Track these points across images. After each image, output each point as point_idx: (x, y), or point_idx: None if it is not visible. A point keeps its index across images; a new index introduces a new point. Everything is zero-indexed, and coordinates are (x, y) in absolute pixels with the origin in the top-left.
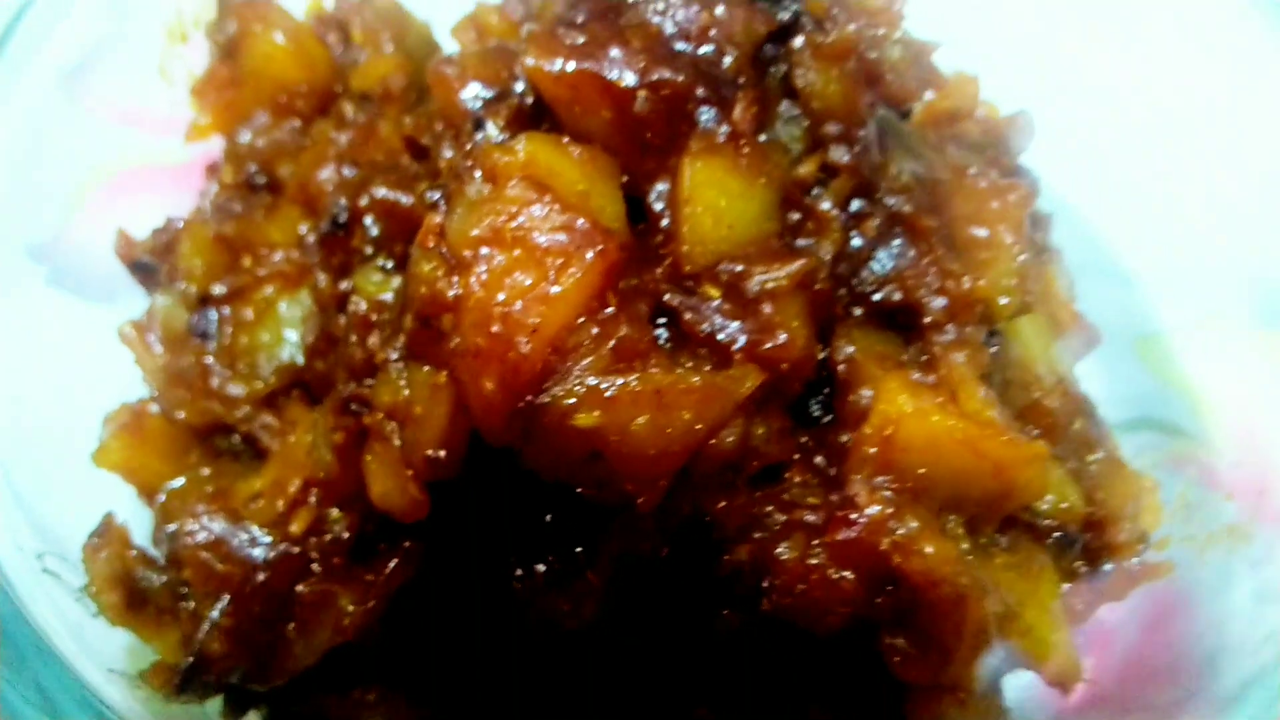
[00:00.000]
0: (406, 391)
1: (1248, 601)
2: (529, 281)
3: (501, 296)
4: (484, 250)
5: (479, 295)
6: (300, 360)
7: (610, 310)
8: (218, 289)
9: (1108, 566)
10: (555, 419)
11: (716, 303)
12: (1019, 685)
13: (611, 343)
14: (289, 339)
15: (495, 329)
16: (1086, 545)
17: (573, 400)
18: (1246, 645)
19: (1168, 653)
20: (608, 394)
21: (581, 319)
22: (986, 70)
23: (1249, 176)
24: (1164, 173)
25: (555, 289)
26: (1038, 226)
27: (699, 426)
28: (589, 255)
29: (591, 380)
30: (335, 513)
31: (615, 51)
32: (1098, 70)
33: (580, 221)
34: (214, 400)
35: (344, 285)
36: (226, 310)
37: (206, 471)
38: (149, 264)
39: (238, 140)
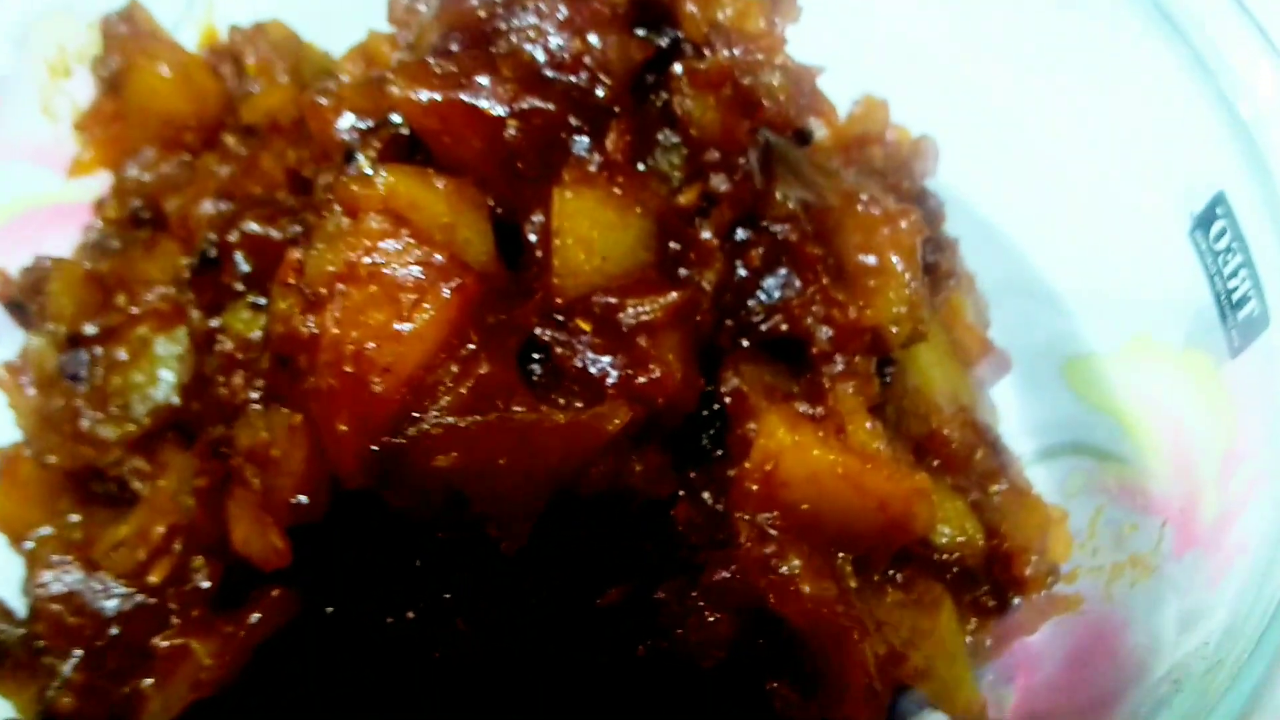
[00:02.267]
0: (265, 434)
1: (1172, 632)
2: (383, 318)
3: (355, 334)
4: (340, 286)
5: (333, 333)
6: (175, 401)
7: (471, 347)
8: (89, 328)
9: (1016, 601)
10: (413, 460)
11: (588, 337)
12: None
13: (472, 381)
14: (164, 379)
15: (348, 369)
16: (995, 579)
17: (430, 441)
18: (1150, 680)
19: (1093, 682)
20: (467, 433)
21: (440, 356)
22: (912, 93)
23: (1174, 196)
24: (1090, 194)
25: (409, 326)
26: (942, 251)
27: (565, 466)
28: (445, 290)
29: (450, 420)
30: (198, 560)
31: (484, 80)
32: (1024, 93)
33: (437, 256)
34: (85, 444)
35: (214, 323)
36: (98, 350)
37: (76, 518)
38: (21, 303)
39: (124, 175)
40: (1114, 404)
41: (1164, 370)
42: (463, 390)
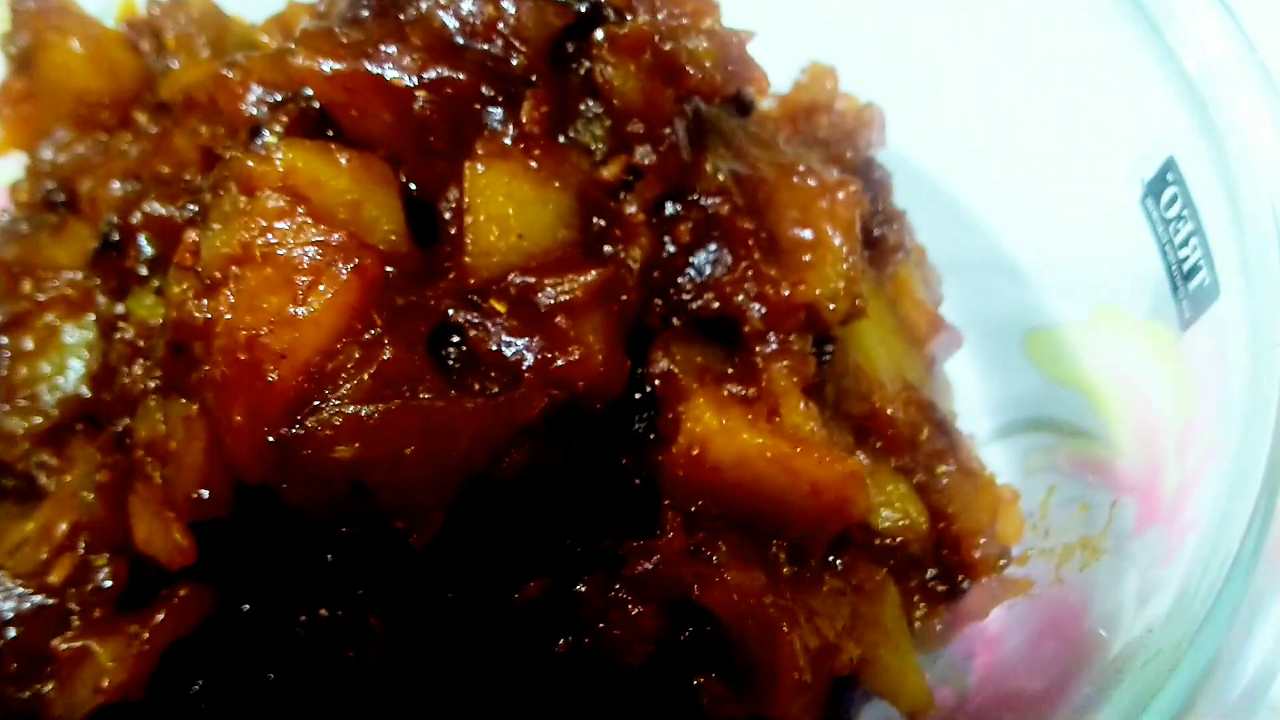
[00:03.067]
0: (163, 426)
1: (1132, 607)
2: (278, 303)
3: (250, 320)
4: (234, 269)
5: (227, 319)
6: (86, 391)
7: (375, 331)
8: None
9: (965, 584)
10: (312, 452)
11: (502, 318)
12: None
13: (374, 366)
14: (73, 368)
15: (242, 356)
16: (944, 563)
17: (330, 431)
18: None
19: (1054, 660)
20: (368, 422)
21: (341, 342)
22: (860, 62)
23: (1127, 162)
24: (1048, 163)
25: (304, 310)
26: (890, 224)
27: (476, 454)
28: (343, 271)
29: (351, 408)
30: (101, 559)
31: (391, 49)
32: (975, 61)
33: (335, 235)
34: None
35: (119, 309)
36: (3, 340)
37: None
38: None
39: (38, 156)
40: (1078, 377)
41: (1127, 342)
42: (365, 377)
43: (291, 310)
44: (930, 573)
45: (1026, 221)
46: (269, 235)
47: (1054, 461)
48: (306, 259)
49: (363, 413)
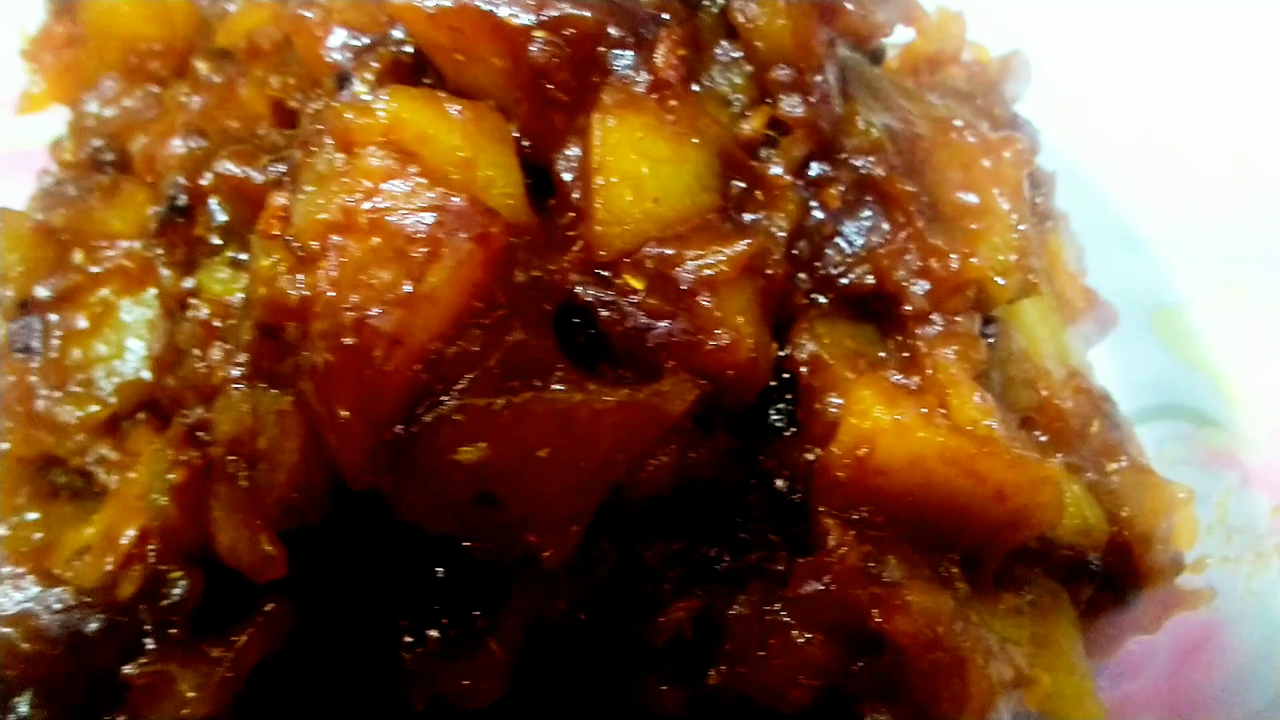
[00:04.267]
0: (250, 420)
1: None
2: (389, 278)
3: (356, 298)
4: (334, 238)
5: (328, 297)
6: (147, 376)
7: (500, 312)
8: (41, 291)
9: (1135, 596)
10: (432, 453)
11: (640, 296)
12: None
13: (501, 353)
14: (132, 349)
15: (348, 340)
16: (1109, 572)
17: (452, 429)
18: None
19: (1206, 680)
20: (497, 418)
21: (462, 323)
22: (976, 6)
23: (1272, 129)
24: (1177, 124)
25: (421, 287)
26: (1039, 188)
27: (619, 457)
28: (466, 241)
29: (475, 401)
30: (175, 571)
31: None
32: (1100, 6)
33: (455, 199)
34: (41, 428)
35: (188, 284)
36: (53, 317)
37: (34, 516)
38: None
39: (82, 110)
40: (1210, 360)
41: (1265, 322)
42: (491, 364)
43: (405, 287)
44: (1098, 583)
45: (1158, 189)
46: (375, 199)
47: (1191, 454)
48: (422, 226)
49: (490, 407)
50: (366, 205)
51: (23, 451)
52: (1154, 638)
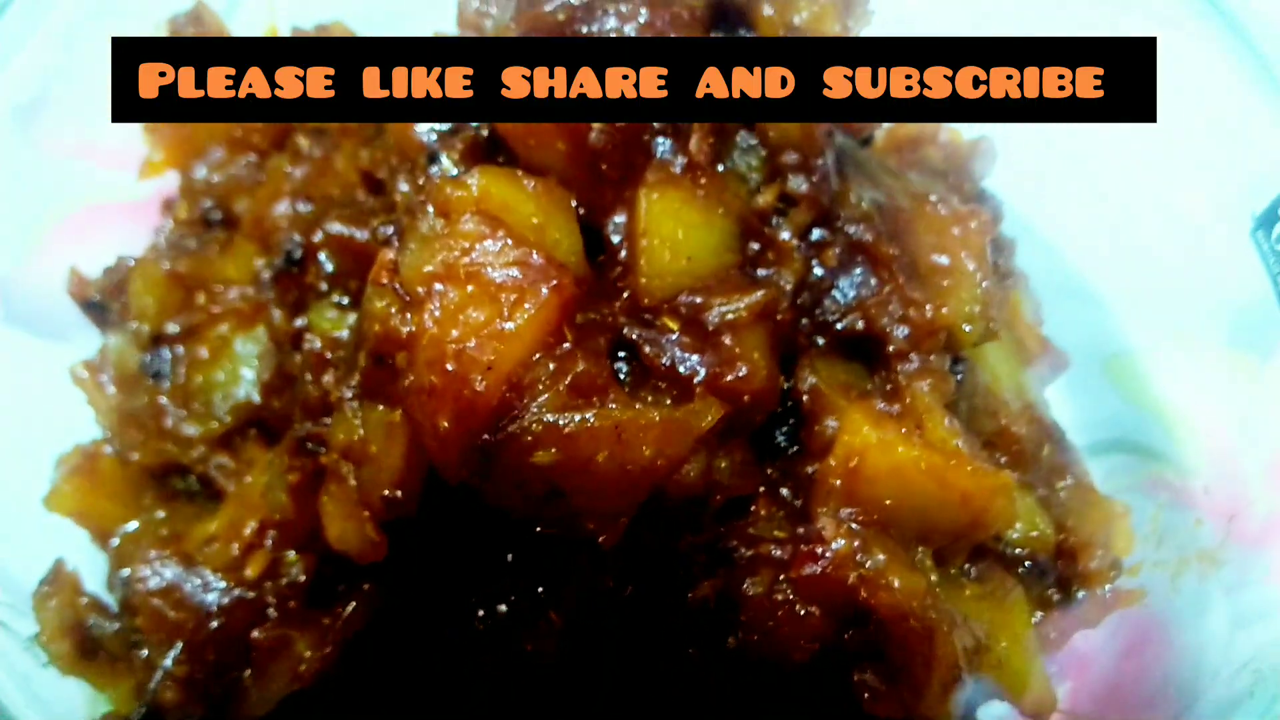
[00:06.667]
0: (361, 431)
1: (1224, 627)
2: (483, 318)
3: (455, 333)
4: (438, 286)
5: (433, 332)
6: (256, 398)
7: (567, 345)
8: (171, 327)
9: (1080, 594)
10: (513, 457)
11: (675, 335)
12: (994, 716)
13: (569, 378)
14: (245, 377)
15: (450, 366)
16: (1059, 573)
17: (530, 438)
18: (1223, 672)
19: (1144, 679)
20: (566, 431)
21: (538, 355)
22: None
23: (1216, 193)
24: (1129, 191)
25: (510, 325)
26: (1001, 251)
27: (660, 462)
28: (544, 290)
29: (549, 417)
30: (291, 555)
31: None
32: None
33: (534, 256)
34: (168, 441)
35: (299, 322)
36: (180, 349)
37: (161, 514)
38: (101, 303)
39: (193, 176)
40: (1158, 402)
41: (1209, 369)
42: (560, 388)
43: (497, 325)
44: (1048, 582)
45: (1111, 249)
46: (471, 255)
47: (1135, 482)
48: (509, 278)
49: (560, 421)
50: (465, 260)
51: (149, 461)
52: (1098, 639)
